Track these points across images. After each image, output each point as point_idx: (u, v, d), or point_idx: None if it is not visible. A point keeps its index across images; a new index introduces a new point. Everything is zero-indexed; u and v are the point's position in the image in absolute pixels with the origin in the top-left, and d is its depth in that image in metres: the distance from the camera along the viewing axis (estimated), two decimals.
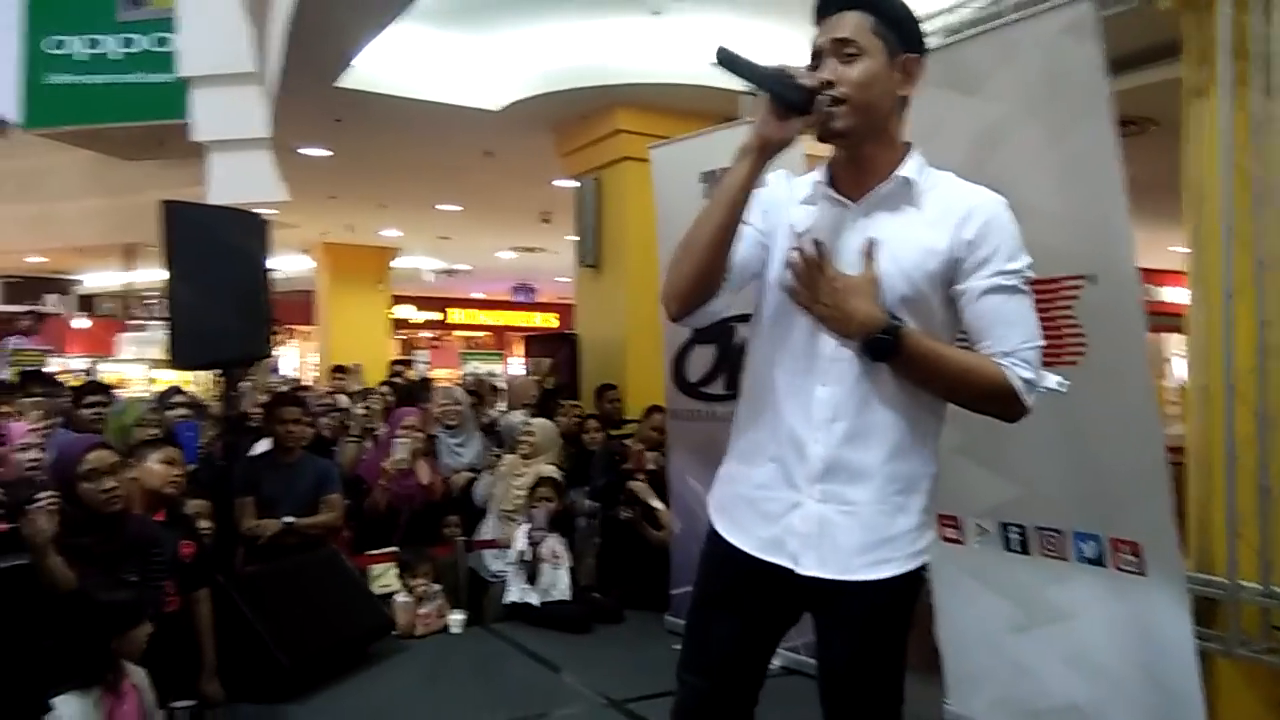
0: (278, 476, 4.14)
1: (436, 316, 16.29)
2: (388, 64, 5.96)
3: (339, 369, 8.71)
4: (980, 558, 2.90)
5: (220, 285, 4.00)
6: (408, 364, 8.92)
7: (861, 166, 1.66)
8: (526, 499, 4.41)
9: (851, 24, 1.60)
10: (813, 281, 1.59)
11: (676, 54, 5.76)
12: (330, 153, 7.60)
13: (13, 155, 11.22)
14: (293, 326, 15.12)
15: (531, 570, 4.22)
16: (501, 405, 6.96)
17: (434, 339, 16.26)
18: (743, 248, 1.67)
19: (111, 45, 9.35)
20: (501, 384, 8.39)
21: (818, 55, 1.62)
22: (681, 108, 5.85)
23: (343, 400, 6.34)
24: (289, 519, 4.03)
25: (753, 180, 1.59)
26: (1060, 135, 2.55)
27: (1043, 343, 1.62)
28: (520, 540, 4.26)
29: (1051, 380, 1.65)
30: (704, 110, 5.46)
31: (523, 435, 4.55)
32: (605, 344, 6.40)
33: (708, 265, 1.62)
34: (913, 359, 1.57)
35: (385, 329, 12.28)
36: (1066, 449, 2.62)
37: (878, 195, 1.65)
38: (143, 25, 9.25)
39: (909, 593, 1.68)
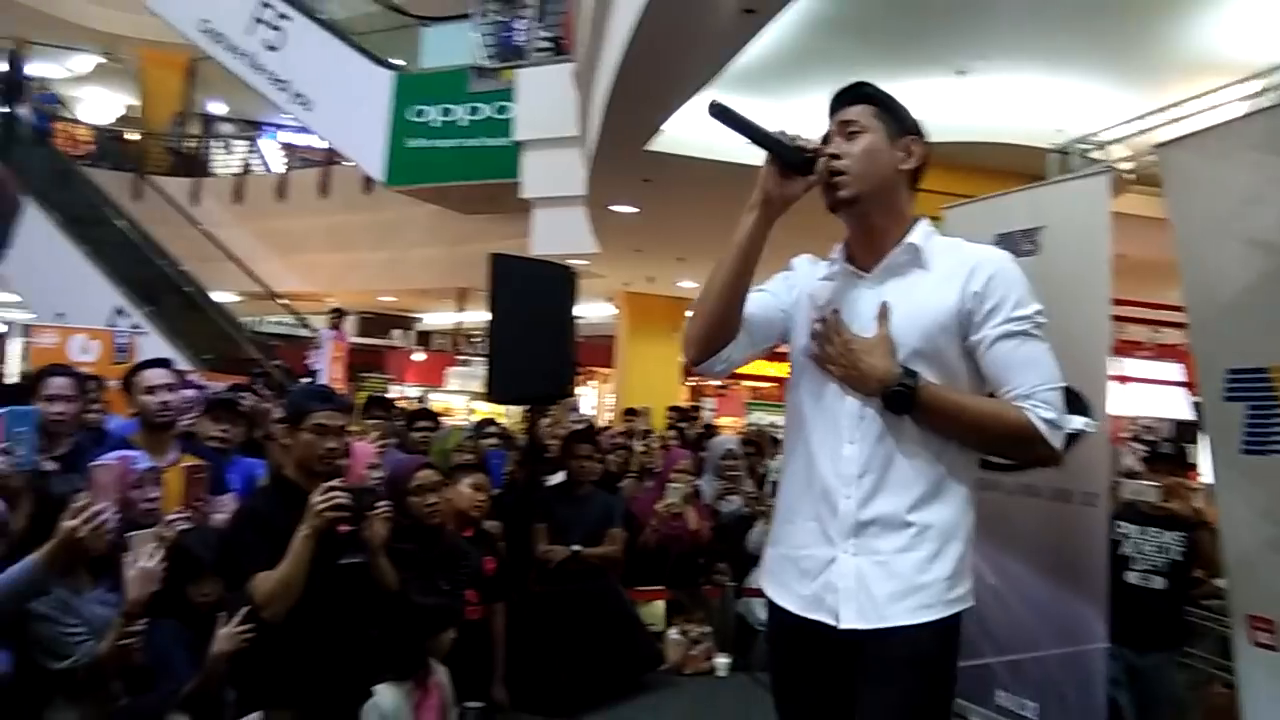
0: (569, 506, 4.49)
1: None
2: (691, 127, 6.31)
3: (630, 411, 9.24)
4: None
5: (532, 330, 4.44)
6: (692, 410, 9.30)
7: (872, 239, 1.79)
8: None
9: (855, 111, 1.79)
10: (831, 345, 1.73)
11: (980, 112, 5.65)
12: (637, 210, 8.12)
13: (374, 209, 13.08)
14: (595, 369, 16.12)
15: None
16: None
17: (721, 387, 16.66)
18: (762, 308, 1.84)
19: (461, 114, 10.72)
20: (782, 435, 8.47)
21: (826, 138, 1.80)
22: (985, 166, 5.71)
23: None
24: (577, 547, 4.36)
25: (759, 233, 1.74)
26: None
27: (1064, 384, 1.67)
28: None
29: (1078, 421, 1.64)
30: (1007, 169, 5.31)
31: None
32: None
33: (720, 314, 1.76)
34: (931, 408, 1.66)
35: (676, 375, 12.78)
36: None
37: (888, 263, 1.77)
38: (488, 95, 10.54)
39: (949, 644, 1.69)
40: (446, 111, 10.87)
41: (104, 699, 2.43)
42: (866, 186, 1.74)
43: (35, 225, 11.94)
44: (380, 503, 2.86)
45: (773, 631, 1.85)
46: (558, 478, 4.78)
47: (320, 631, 2.77)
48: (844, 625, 1.67)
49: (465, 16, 10.82)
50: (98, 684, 2.42)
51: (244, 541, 2.77)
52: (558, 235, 9.38)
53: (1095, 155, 3.67)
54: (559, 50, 9.74)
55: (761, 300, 1.85)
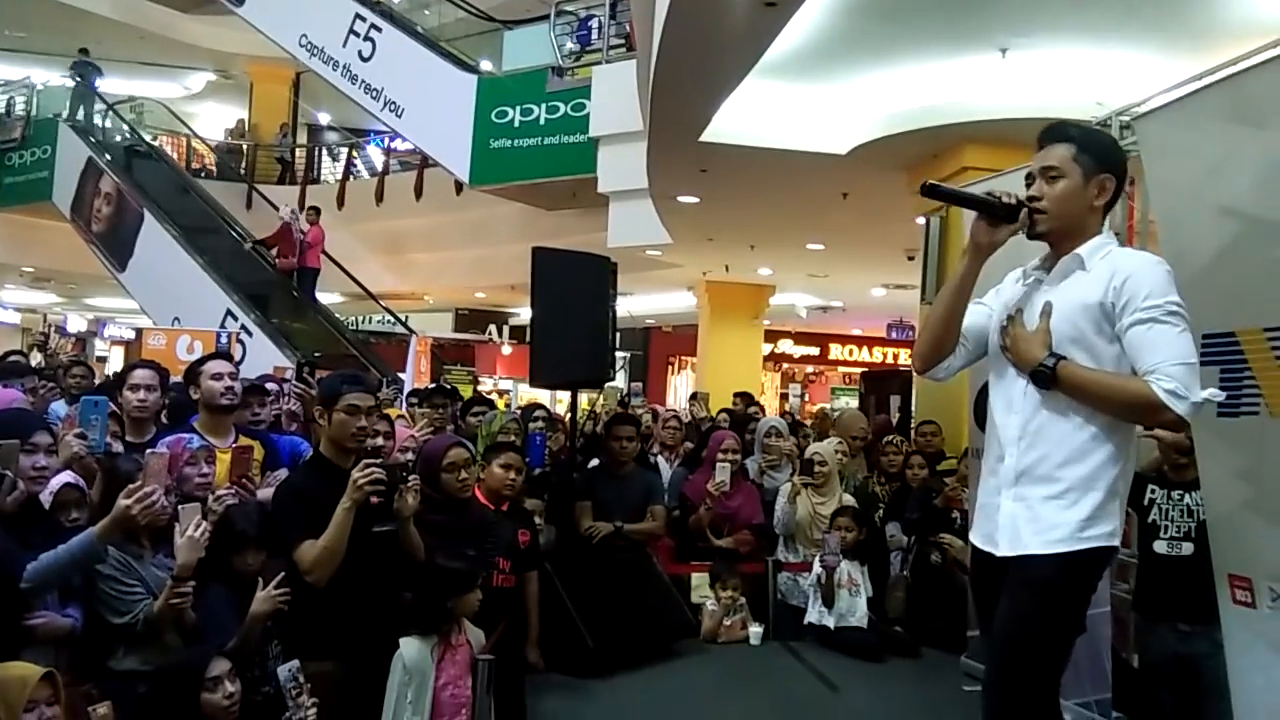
0: (612, 485, 4.72)
1: (813, 351, 16.68)
2: (739, 117, 6.45)
3: (692, 396, 9.55)
4: (1274, 624, 2.61)
5: (573, 318, 4.68)
6: (746, 397, 9.49)
7: (1060, 254, 2.19)
8: (829, 526, 4.57)
9: (1057, 154, 2.15)
10: (1008, 338, 2.19)
11: (1024, 89, 5.62)
12: (698, 200, 8.29)
13: (465, 209, 13.57)
14: (684, 356, 16.36)
15: (828, 594, 4.38)
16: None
17: (814, 374, 16.67)
18: (977, 319, 2.31)
19: (540, 113, 11.03)
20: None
21: (1030, 176, 2.18)
22: (1030, 142, 5.65)
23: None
24: (619, 523, 4.59)
25: (970, 272, 2.19)
26: None
27: (1191, 361, 1.99)
28: (816, 564, 4.45)
29: (1203, 393, 1.97)
30: None
31: (818, 466, 4.72)
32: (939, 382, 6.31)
33: (939, 335, 2.28)
34: (1067, 384, 2.09)
35: (758, 361, 12.88)
36: None
37: (1057, 269, 2.20)
38: (565, 94, 10.85)
39: (1074, 575, 2.07)
40: (526, 112, 11.18)
41: (160, 649, 2.79)
42: (1060, 224, 2.14)
43: (154, 236, 12.82)
44: (410, 477, 3.15)
45: (973, 568, 2.33)
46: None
47: (354, 591, 3.07)
48: (999, 554, 2.14)
49: (545, 18, 11.11)
50: (154, 636, 2.78)
51: (284, 513, 3.10)
52: (632, 227, 9.61)
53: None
54: (630, 47, 9.91)
55: (976, 312, 2.32)
